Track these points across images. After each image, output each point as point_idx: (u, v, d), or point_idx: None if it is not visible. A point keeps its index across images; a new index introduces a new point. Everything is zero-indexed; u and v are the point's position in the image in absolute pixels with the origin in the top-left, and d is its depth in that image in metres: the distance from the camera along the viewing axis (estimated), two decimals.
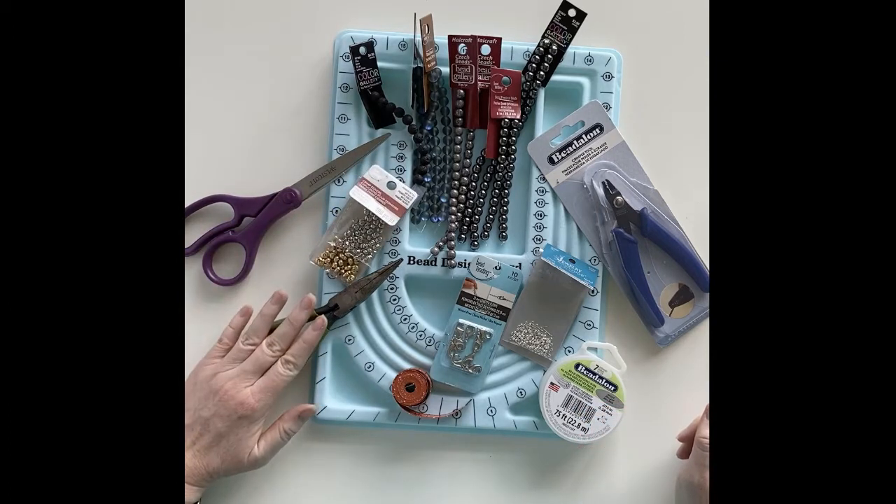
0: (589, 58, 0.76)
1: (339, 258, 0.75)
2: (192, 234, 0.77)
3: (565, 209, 0.76)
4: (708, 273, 0.76)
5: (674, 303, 0.77)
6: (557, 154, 0.76)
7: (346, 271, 0.75)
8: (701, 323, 0.78)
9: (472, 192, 0.77)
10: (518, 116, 0.75)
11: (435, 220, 0.77)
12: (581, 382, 0.73)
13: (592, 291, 0.76)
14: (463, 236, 0.77)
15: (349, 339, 0.76)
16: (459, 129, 0.76)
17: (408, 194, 0.74)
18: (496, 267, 0.75)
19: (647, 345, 0.77)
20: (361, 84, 0.75)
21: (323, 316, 0.73)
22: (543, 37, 0.76)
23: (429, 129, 0.76)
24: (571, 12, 0.75)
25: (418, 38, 0.74)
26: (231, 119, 0.78)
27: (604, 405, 0.73)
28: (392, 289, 0.76)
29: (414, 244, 0.76)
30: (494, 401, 0.75)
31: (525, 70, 0.76)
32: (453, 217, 0.76)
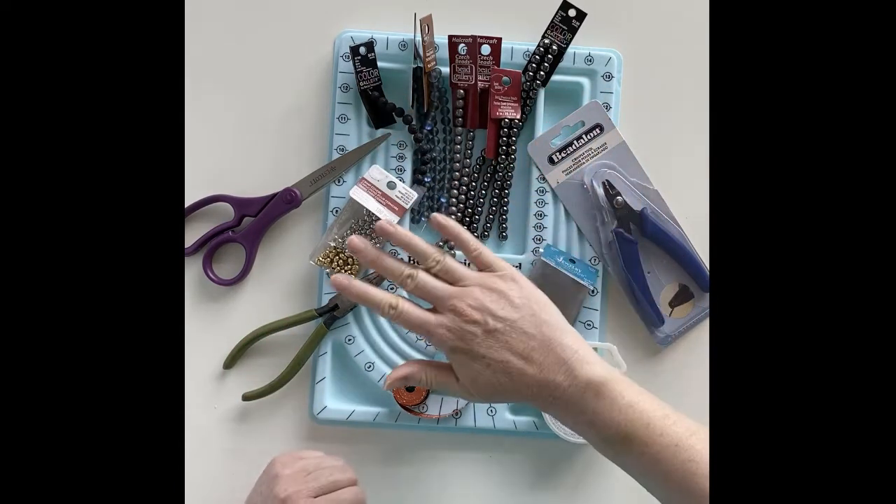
0: (589, 58, 0.76)
1: (339, 258, 0.75)
2: (192, 234, 0.77)
3: (565, 209, 0.76)
4: (708, 273, 0.76)
5: (674, 303, 0.77)
6: (557, 154, 0.76)
7: (346, 271, 0.75)
8: (701, 323, 0.77)
9: (472, 192, 0.77)
10: (518, 116, 0.75)
11: None
12: None
13: (592, 291, 0.76)
14: None
15: (349, 339, 0.76)
16: (459, 129, 0.76)
17: (408, 194, 0.74)
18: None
19: (647, 345, 0.77)
20: (361, 84, 0.75)
21: None
22: (543, 37, 0.76)
23: (429, 129, 0.76)
24: (571, 12, 0.75)
25: (418, 38, 0.74)
26: (231, 119, 0.78)
27: None
28: (392, 289, 0.76)
29: None
30: None
31: (525, 70, 0.76)
32: (453, 217, 0.76)
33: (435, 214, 0.62)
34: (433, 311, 0.59)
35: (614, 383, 0.55)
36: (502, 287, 0.57)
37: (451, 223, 0.61)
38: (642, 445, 0.54)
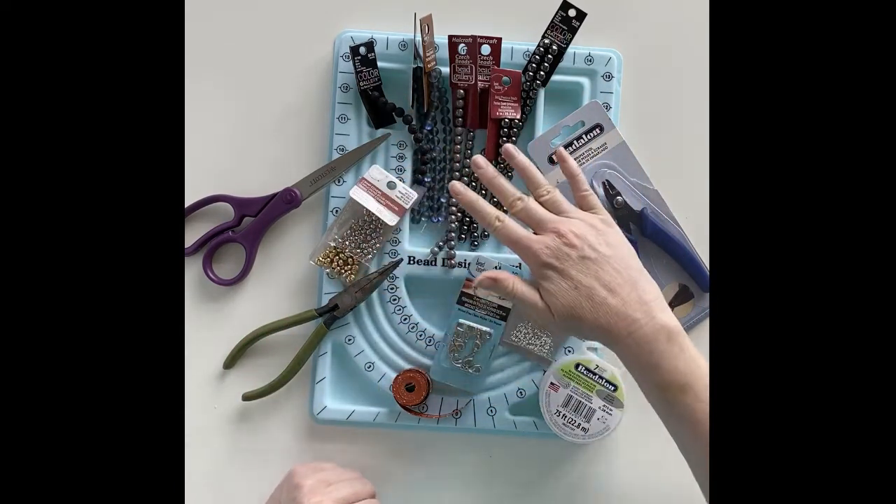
0: (589, 58, 0.76)
1: (339, 258, 0.75)
2: (192, 234, 0.77)
3: None
4: (708, 273, 0.76)
5: (674, 303, 0.77)
6: None
7: (346, 271, 0.75)
8: (701, 323, 0.77)
9: None
10: (518, 116, 0.75)
11: (435, 220, 0.77)
12: (581, 382, 0.73)
13: None
14: (463, 236, 0.77)
15: (349, 339, 0.76)
16: (459, 129, 0.76)
17: (408, 194, 0.74)
18: (496, 267, 0.75)
19: None
20: (361, 84, 0.75)
21: None
22: (543, 37, 0.76)
23: (429, 128, 0.76)
24: (571, 12, 0.75)
25: (418, 38, 0.74)
26: (231, 119, 0.78)
27: (604, 405, 0.73)
28: (392, 289, 0.76)
29: (414, 244, 0.76)
30: (494, 401, 0.75)
31: (525, 70, 0.76)
32: (453, 217, 0.76)
33: (560, 150, 0.69)
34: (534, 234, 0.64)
35: (684, 335, 0.60)
36: (602, 227, 0.63)
37: (570, 160, 0.68)
38: (697, 398, 0.57)
